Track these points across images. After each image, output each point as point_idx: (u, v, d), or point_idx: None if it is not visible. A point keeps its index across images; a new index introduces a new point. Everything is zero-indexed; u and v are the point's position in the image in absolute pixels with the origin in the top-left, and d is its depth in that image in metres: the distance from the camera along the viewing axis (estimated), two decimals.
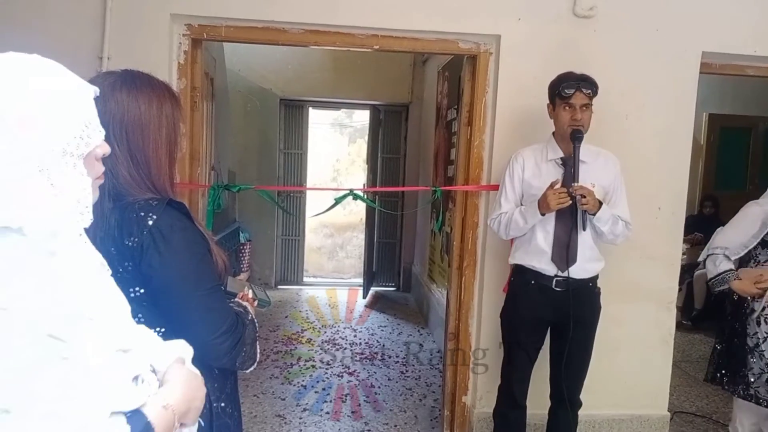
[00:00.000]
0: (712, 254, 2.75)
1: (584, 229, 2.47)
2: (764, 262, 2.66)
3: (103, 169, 0.97)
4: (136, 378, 0.93)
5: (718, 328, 2.88)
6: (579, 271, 2.52)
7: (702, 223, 6.13)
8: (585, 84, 2.45)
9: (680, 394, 4.11)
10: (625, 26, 2.99)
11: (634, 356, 3.12)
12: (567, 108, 2.47)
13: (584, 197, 2.39)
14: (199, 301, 1.22)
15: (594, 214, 2.46)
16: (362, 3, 2.85)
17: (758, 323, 2.61)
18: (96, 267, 0.95)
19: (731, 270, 2.67)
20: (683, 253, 3.84)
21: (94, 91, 0.94)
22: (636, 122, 2.98)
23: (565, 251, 2.50)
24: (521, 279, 2.62)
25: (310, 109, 7.30)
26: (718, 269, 2.70)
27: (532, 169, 2.59)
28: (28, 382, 0.78)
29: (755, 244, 2.67)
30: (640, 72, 2.96)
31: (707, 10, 3.01)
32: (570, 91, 2.45)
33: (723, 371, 2.74)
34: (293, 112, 7.13)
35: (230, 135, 5.83)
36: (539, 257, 2.54)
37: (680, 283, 3.38)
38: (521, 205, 2.60)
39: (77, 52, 2.64)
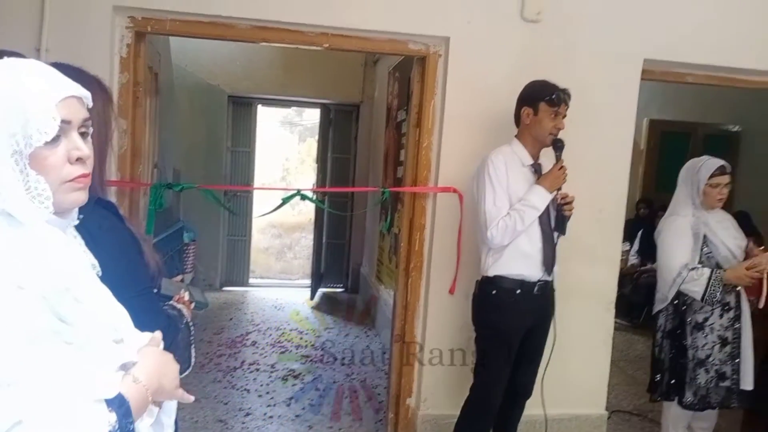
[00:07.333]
0: (679, 277, 2.64)
1: (564, 233, 2.58)
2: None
3: (81, 171, 0.95)
4: (124, 365, 0.96)
5: (659, 341, 2.85)
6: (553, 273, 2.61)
7: (639, 226, 6.35)
8: (568, 97, 2.56)
9: (618, 392, 4.21)
10: (571, 32, 3.04)
11: (575, 356, 3.16)
12: (554, 116, 2.52)
13: (569, 203, 2.53)
14: (129, 303, 1.16)
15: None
16: (312, 0, 2.82)
17: (705, 335, 2.67)
18: (88, 265, 1.04)
19: (714, 269, 2.61)
20: (622, 257, 3.93)
21: (67, 92, 0.93)
22: (579, 126, 3.02)
23: (551, 255, 2.56)
24: (503, 290, 2.54)
25: (259, 106, 7.20)
26: (702, 278, 2.59)
27: (514, 173, 2.55)
28: (34, 360, 0.82)
29: (697, 261, 2.65)
30: (583, 77, 3.02)
31: (649, 19, 3.09)
32: (559, 101, 2.51)
33: (672, 382, 2.75)
34: (241, 109, 7.00)
35: (176, 132, 5.67)
36: (526, 263, 2.53)
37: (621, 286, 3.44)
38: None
39: (13, 44, 2.50)
